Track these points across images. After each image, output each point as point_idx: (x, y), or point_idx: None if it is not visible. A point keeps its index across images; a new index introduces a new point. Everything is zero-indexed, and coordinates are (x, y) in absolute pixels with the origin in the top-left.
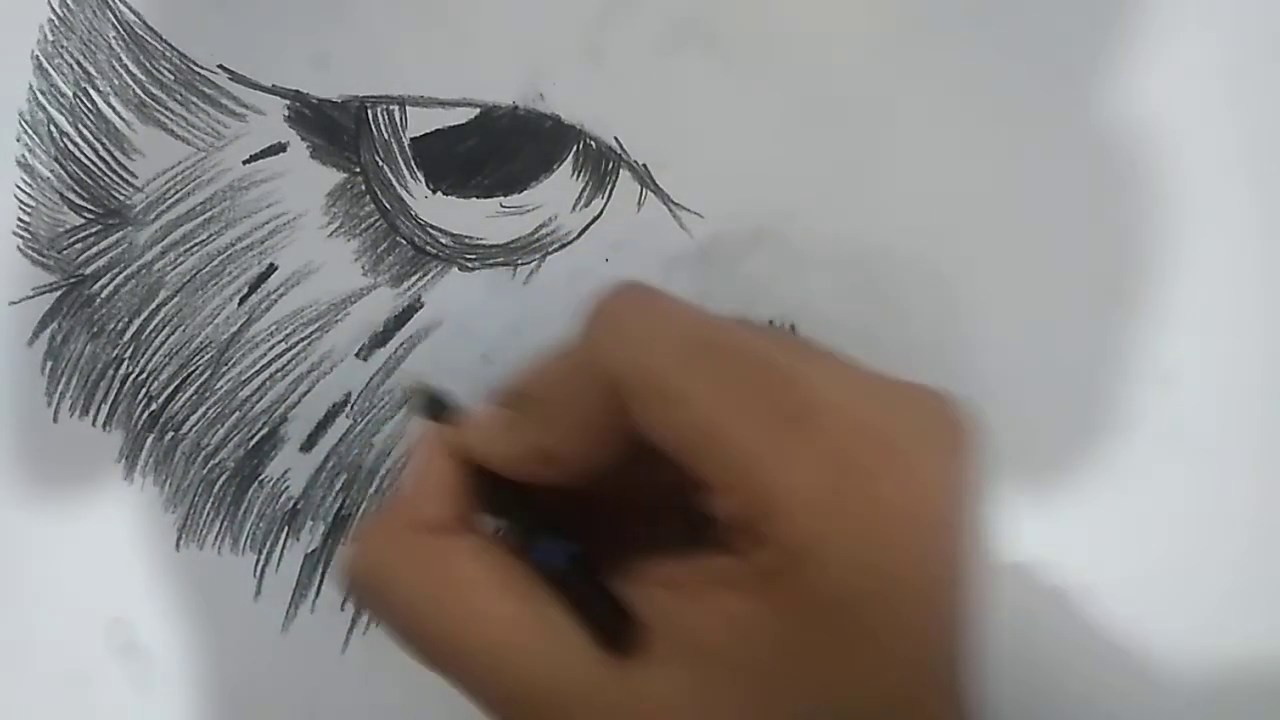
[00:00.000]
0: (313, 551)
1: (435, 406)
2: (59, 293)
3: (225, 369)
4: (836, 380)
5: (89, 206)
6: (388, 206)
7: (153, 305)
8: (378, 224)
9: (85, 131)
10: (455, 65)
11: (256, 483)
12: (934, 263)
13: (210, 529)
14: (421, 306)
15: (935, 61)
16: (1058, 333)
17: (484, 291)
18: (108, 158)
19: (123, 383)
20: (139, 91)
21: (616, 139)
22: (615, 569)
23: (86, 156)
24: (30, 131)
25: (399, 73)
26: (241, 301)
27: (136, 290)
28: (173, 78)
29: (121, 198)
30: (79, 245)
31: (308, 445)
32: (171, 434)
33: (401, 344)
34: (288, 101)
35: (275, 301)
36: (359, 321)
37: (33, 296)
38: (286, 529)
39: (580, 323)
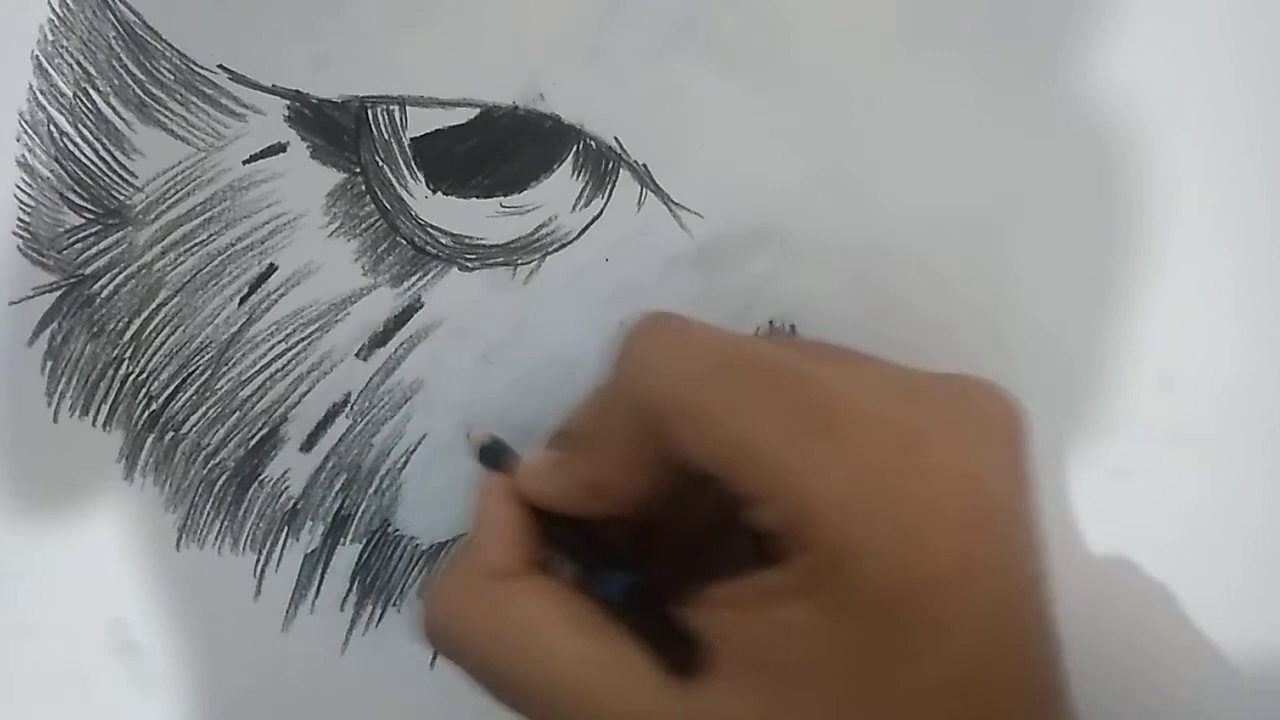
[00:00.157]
0: (312, 551)
1: (495, 454)
2: (59, 293)
3: (225, 369)
4: (859, 383)
5: (89, 206)
6: (388, 206)
7: (153, 305)
8: (378, 224)
9: (85, 131)
10: (455, 65)
11: (256, 483)
12: (934, 262)
13: (210, 529)
14: (421, 306)
15: (936, 61)
16: (1058, 332)
17: (484, 291)
18: (108, 158)
19: (123, 383)
20: (139, 91)
21: (616, 139)
22: (679, 594)
23: (86, 156)
24: (30, 131)
25: (399, 73)
26: (241, 301)
27: (136, 290)
28: (173, 78)
29: (121, 198)
30: (79, 245)
31: (308, 445)
32: (172, 434)
33: (401, 344)
34: (288, 101)
35: (275, 301)
36: (359, 321)
37: (33, 296)
38: (286, 529)
39: (610, 357)
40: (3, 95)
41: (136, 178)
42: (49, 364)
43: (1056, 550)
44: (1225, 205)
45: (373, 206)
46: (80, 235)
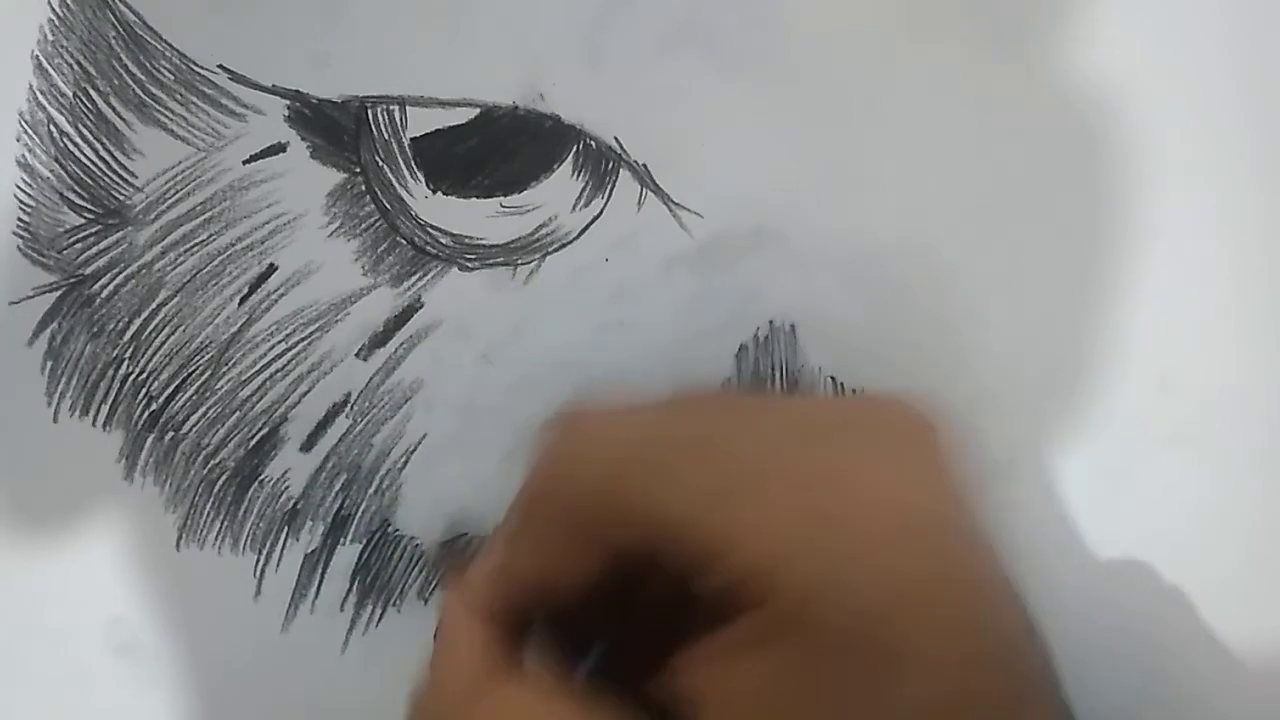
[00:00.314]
0: (312, 551)
1: (453, 557)
2: (59, 293)
3: (225, 369)
4: (773, 432)
5: (89, 206)
6: (388, 206)
7: (153, 305)
8: (378, 224)
9: (85, 131)
10: (455, 65)
11: (256, 483)
12: (934, 262)
13: (210, 529)
14: (421, 306)
15: (936, 61)
16: (1058, 332)
17: (484, 291)
18: (108, 158)
19: (123, 383)
20: (139, 91)
21: (616, 139)
22: (657, 661)
23: (86, 156)
24: (30, 131)
25: (399, 73)
26: (241, 301)
27: (136, 290)
28: (173, 78)
29: (121, 198)
30: (79, 245)
31: (308, 445)
32: (172, 434)
33: (401, 344)
34: (288, 101)
35: (275, 301)
36: (359, 321)
37: (33, 296)
38: (286, 529)
39: (531, 457)
40: (3, 95)
41: (136, 178)
42: (49, 364)
43: (1055, 550)
44: (1225, 204)
45: (373, 206)
46: (80, 235)
